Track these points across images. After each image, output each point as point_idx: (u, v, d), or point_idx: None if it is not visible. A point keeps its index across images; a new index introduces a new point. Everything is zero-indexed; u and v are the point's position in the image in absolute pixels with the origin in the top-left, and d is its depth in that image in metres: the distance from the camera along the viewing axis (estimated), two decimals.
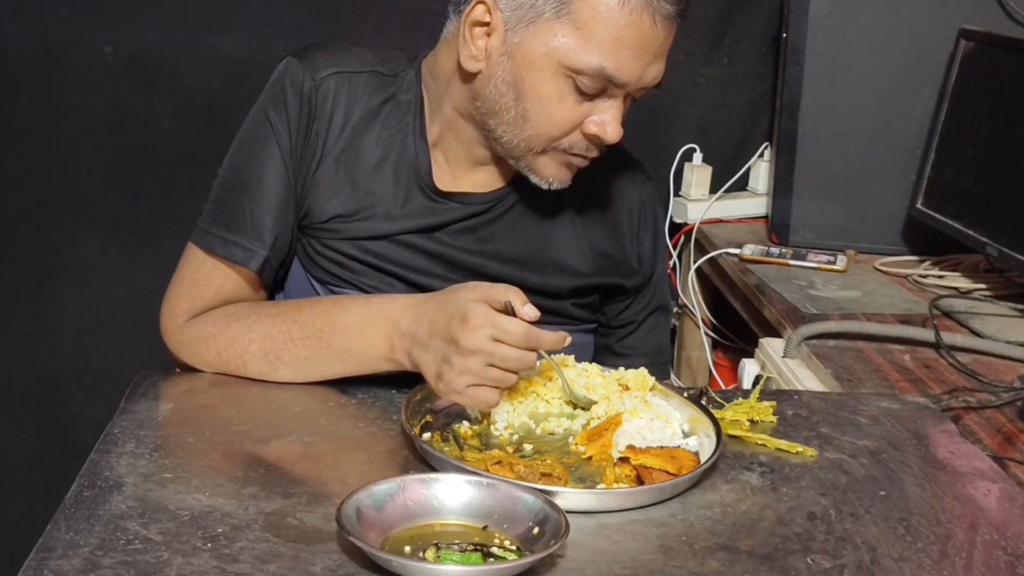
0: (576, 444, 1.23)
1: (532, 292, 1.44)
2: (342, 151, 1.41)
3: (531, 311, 1.19)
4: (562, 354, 1.33)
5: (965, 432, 1.37)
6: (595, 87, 1.31)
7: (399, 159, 1.42)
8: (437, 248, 1.43)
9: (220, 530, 1.01)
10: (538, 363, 1.26)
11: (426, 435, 1.22)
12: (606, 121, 1.34)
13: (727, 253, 2.20)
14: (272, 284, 1.46)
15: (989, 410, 1.47)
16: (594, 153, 1.38)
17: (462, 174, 1.44)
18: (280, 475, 1.13)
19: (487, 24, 1.32)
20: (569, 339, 1.22)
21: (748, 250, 2.16)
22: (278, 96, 1.40)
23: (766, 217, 2.36)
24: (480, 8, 1.32)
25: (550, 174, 1.39)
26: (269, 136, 1.40)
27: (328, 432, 1.24)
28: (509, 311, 1.20)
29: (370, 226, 1.42)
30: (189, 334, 1.39)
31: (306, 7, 2.27)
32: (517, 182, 1.44)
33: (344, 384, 1.34)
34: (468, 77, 1.36)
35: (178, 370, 1.50)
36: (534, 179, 1.40)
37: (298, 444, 1.20)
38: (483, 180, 1.45)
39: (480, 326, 1.18)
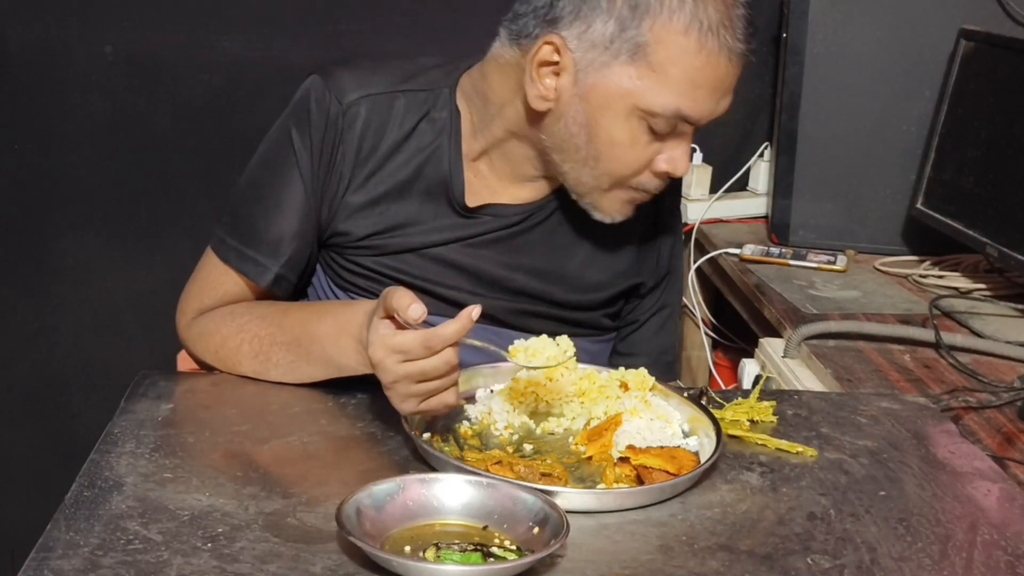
0: (576, 444, 1.23)
1: (560, 306, 1.43)
2: (372, 173, 1.38)
3: (414, 312, 1.13)
4: (571, 355, 1.31)
5: (965, 432, 1.37)
6: (668, 127, 1.29)
7: (431, 178, 1.38)
8: (465, 261, 1.41)
9: (220, 530, 1.01)
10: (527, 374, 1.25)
11: (426, 435, 1.22)
12: (676, 158, 1.32)
13: (727, 253, 2.20)
14: (292, 292, 1.44)
15: (989, 410, 1.47)
16: (661, 189, 1.37)
17: (503, 188, 1.41)
18: (280, 475, 1.13)
19: (555, 63, 1.28)
20: (477, 310, 1.15)
21: (748, 250, 2.16)
22: (302, 118, 1.37)
23: (766, 217, 2.36)
24: (548, 48, 1.28)
25: (615, 211, 1.37)
26: (290, 157, 1.37)
27: (328, 432, 1.24)
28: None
29: (399, 243, 1.39)
30: (194, 331, 1.41)
31: (306, 7, 2.28)
32: (556, 194, 1.42)
33: (344, 384, 1.33)
34: (536, 113, 1.32)
35: (179, 369, 1.51)
36: (596, 215, 1.38)
37: (298, 444, 1.20)
38: (524, 194, 1.42)
39: (381, 359, 1.15)
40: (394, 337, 1.14)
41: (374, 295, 1.38)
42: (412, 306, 1.12)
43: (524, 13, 1.31)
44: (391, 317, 1.15)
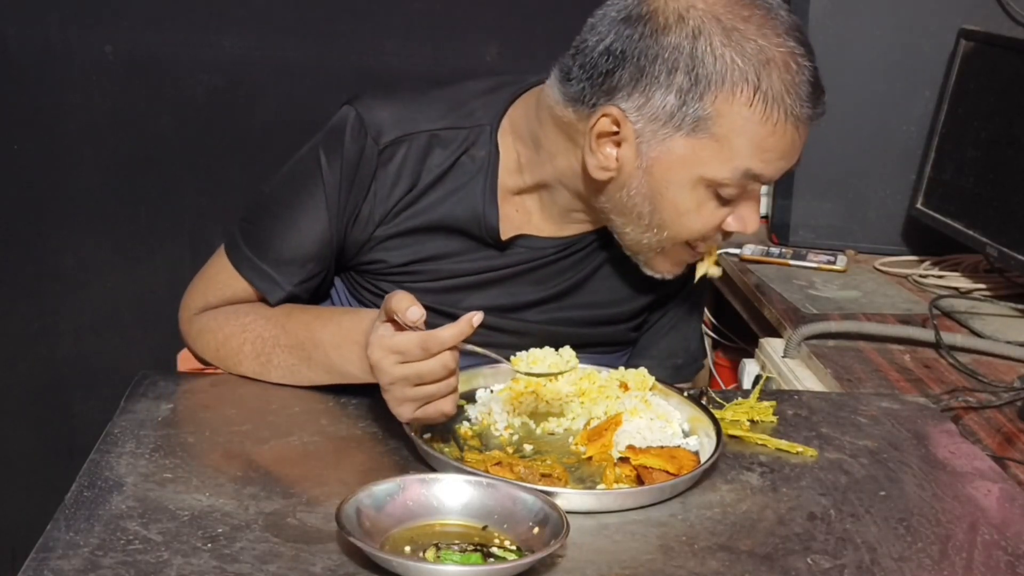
0: (576, 444, 1.23)
1: (590, 324, 1.42)
2: (404, 208, 1.36)
3: (413, 314, 1.12)
4: (573, 366, 1.31)
5: (965, 432, 1.37)
6: (737, 191, 1.27)
7: (465, 215, 1.36)
8: (496, 291, 1.40)
9: (220, 530, 1.01)
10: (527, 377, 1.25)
11: (426, 436, 1.22)
12: (746, 216, 1.30)
13: (727, 253, 2.20)
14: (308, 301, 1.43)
15: (989, 410, 1.47)
16: (720, 242, 1.36)
17: (545, 224, 1.39)
18: (280, 475, 1.13)
19: (615, 133, 1.26)
20: (479, 316, 1.14)
21: (748, 250, 2.16)
22: (334, 149, 1.34)
23: (766, 217, 2.36)
24: (606, 120, 1.25)
25: (668, 270, 1.37)
26: (318, 184, 1.35)
27: (328, 432, 1.24)
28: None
29: (431, 272, 1.38)
30: (196, 326, 1.41)
31: (306, 7, 2.28)
32: (597, 232, 1.40)
33: (345, 385, 1.33)
34: (596, 180, 1.30)
35: (179, 369, 1.51)
36: (646, 271, 1.37)
37: (298, 444, 1.20)
38: (566, 231, 1.40)
39: (379, 359, 1.15)
40: (392, 338, 1.14)
41: None
42: (411, 308, 1.12)
43: (578, 77, 1.27)
44: (392, 320, 1.15)
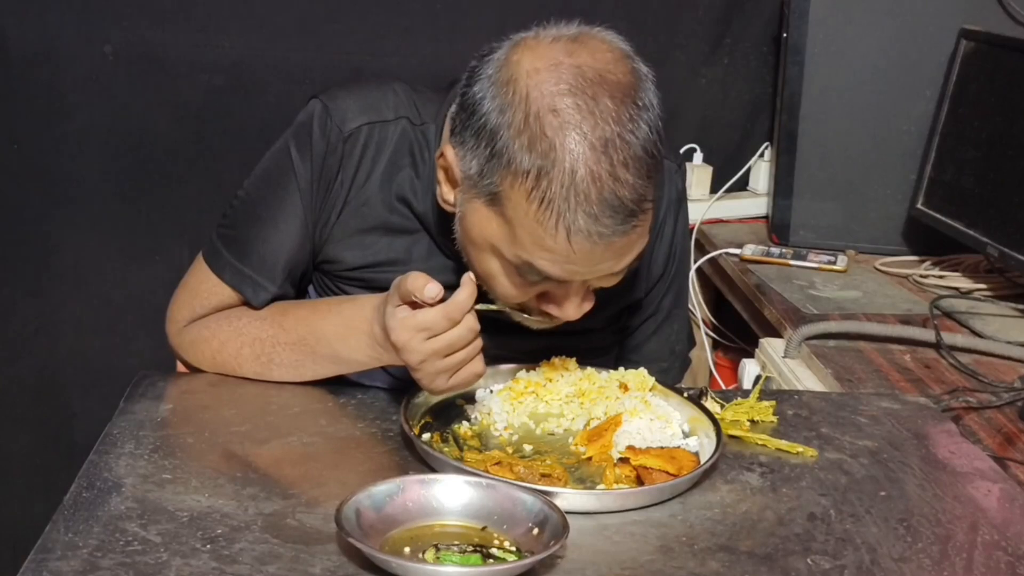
0: (576, 444, 1.23)
1: (563, 335, 1.37)
2: (365, 202, 1.35)
3: (431, 291, 1.13)
4: (563, 356, 1.33)
5: (965, 432, 1.37)
6: (537, 277, 1.18)
7: (421, 216, 1.36)
8: None
9: (219, 531, 1.01)
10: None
11: (426, 435, 1.22)
12: (563, 306, 1.22)
13: (727, 253, 2.20)
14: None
15: (989, 410, 1.47)
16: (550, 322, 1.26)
17: None
18: (280, 475, 1.13)
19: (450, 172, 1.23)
20: (470, 274, 1.17)
21: (748, 250, 2.16)
22: (304, 141, 1.34)
23: (766, 217, 2.36)
24: (443, 159, 1.22)
25: (520, 317, 1.28)
26: (290, 179, 1.35)
27: (328, 432, 1.24)
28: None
29: (388, 278, 1.34)
30: (187, 338, 1.40)
31: (306, 8, 2.27)
32: None
33: (344, 384, 1.34)
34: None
35: (179, 369, 1.51)
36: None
37: (298, 444, 1.20)
38: None
39: (406, 340, 1.16)
40: (415, 317, 1.16)
41: None
42: (428, 285, 1.15)
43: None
44: (407, 302, 1.17)
